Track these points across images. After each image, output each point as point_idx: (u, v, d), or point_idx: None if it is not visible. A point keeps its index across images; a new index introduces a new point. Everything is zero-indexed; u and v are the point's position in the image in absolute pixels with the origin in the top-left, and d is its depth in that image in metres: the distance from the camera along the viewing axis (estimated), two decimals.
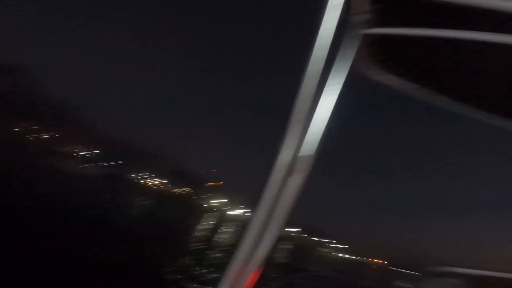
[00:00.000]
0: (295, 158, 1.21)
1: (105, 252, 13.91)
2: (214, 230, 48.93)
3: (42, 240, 12.40)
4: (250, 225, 1.13)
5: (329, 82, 1.32)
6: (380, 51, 1.50)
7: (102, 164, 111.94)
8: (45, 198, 22.35)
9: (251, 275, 1.04)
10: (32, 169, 41.47)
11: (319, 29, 1.31)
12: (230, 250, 32.19)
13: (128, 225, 24.04)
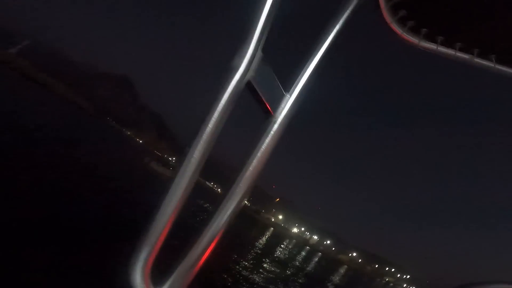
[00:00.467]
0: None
1: None
2: (272, 244, 49.29)
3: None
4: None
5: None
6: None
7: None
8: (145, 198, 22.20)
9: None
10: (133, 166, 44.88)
11: None
12: (285, 264, 34.84)
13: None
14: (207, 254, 0.98)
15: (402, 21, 1.52)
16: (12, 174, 13.13)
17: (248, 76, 1.19)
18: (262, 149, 1.17)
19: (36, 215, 10.91)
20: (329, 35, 1.32)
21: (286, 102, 1.24)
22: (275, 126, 1.20)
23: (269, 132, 1.20)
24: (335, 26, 1.30)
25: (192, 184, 1.00)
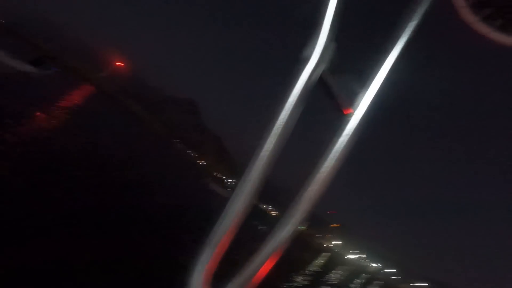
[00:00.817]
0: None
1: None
2: (325, 270, 48.72)
3: None
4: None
5: None
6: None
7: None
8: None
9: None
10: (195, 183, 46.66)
11: None
12: None
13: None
14: (263, 272, 0.89)
15: (487, 20, 1.30)
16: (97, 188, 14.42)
17: (320, 69, 1.06)
18: (335, 152, 1.04)
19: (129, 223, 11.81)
20: (405, 30, 1.16)
21: (363, 98, 1.14)
22: (351, 125, 1.08)
23: (344, 131, 1.08)
24: (412, 20, 1.14)
25: (258, 181, 0.92)
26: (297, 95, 0.94)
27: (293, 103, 0.94)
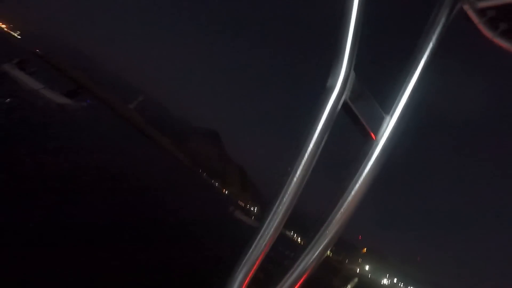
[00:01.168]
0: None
1: None
2: None
3: None
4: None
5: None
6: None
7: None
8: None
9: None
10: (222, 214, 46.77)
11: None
12: None
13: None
14: None
15: (505, 35, 1.27)
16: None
17: (344, 97, 1.06)
18: (362, 178, 1.02)
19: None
20: (424, 51, 1.14)
21: (388, 124, 1.11)
22: (377, 151, 1.06)
23: (370, 157, 1.06)
24: (429, 41, 1.12)
25: (299, 188, 0.90)
26: (321, 124, 0.94)
27: (317, 132, 0.95)
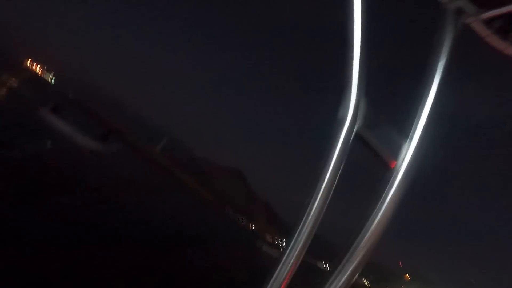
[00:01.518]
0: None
1: None
2: None
3: None
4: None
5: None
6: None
7: None
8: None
9: None
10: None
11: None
12: None
13: None
14: None
15: None
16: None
17: (356, 128, 0.99)
18: (384, 208, 0.96)
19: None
20: (435, 71, 1.09)
21: (407, 150, 1.04)
22: (398, 179, 0.99)
23: (392, 187, 0.99)
24: (438, 61, 1.08)
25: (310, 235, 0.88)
26: (336, 156, 0.93)
27: (332, 164, 0.94)
